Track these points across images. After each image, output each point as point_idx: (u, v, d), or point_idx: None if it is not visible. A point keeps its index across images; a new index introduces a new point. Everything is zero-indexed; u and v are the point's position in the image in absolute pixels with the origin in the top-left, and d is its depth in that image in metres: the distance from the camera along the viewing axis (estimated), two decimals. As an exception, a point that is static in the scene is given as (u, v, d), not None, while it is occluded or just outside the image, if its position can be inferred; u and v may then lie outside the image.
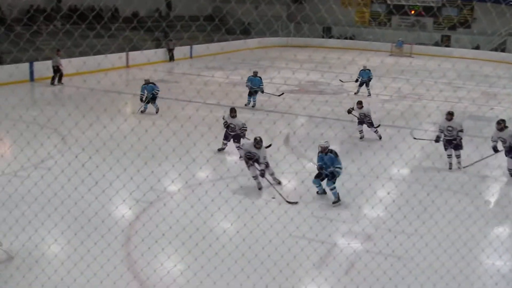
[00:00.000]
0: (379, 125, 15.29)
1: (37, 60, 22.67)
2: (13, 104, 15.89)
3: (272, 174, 11.12)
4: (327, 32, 44.38)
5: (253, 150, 10.86)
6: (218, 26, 38.51)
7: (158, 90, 17.63)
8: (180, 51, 32.61)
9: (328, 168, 10.24)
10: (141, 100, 17.52)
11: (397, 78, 26.59)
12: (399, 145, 12.82)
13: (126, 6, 31.18)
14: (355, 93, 22.12)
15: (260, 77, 19.11)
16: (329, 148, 10.27)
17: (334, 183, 10.25)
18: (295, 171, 11.34)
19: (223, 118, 13.53)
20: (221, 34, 37.34)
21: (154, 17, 34.62)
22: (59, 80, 22.60)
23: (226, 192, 9.92)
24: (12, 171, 10.58)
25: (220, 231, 8.70)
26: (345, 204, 10.14)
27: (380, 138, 14.97)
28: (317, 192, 10.65)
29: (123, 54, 28.01)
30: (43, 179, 9.43)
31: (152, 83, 17.56)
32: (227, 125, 13.23)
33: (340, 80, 23.18)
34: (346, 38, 42.96)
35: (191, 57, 33.66)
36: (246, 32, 40.33)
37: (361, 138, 15.06)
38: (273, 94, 19.01)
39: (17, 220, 8.20)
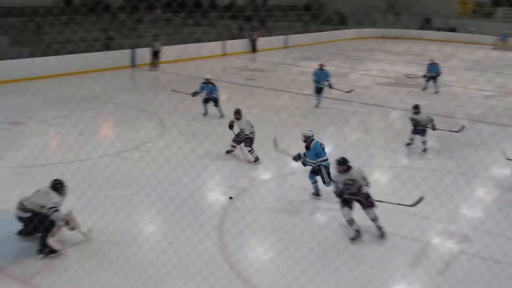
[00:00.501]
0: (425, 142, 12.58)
1: (138, 46, 23.63)
2: (116, 88, 16.67)
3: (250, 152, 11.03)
4: (427, 23, 42.87)
5: (235, 121, 11.06)
6: (315, 15, 38.33)
7: (217, 93, 15.13)
8: (275, 40, 32.73)
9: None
10: (193, 95, 14.86)
11: (501, 73, 25.30)
12: (503, 143, 12.21)
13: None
14: (422, 89, 20.51)
15: (327, 71, 17.05)
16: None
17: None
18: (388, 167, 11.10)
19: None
20: (318, 24, 37.13)
21: (251, 6, 35.01)
22: (157, 65, 23.37)
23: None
24: (115, 152, 11.12)
25: (311, 221, 8.69)
26: (442, 202, 9.79)
27: (425, 151, 12.38)
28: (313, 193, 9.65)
29: (220, 43, 28.55)
30: (142, 161, 9.83)
31: (212, 84, 15.16)
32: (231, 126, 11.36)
33: (407, 76, 22.32)
34: (447, 30, 41.35)
35: (286, 46, 33.66)
36: (343, 22, 39.85)
37: (408, 144, 12.79)
38: (341, 91, 17.28)
39: (118, 198, 8.61)
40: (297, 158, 9.36)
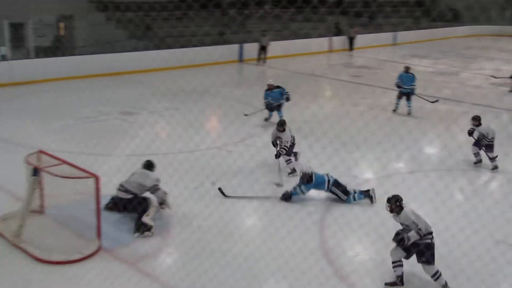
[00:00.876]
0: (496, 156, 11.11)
1: (246, 42, 24.07)
2: (225, 82, 17.10)
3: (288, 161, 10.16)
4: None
5: (278, 134, 10.33)
6: (427, 11, 37.07)
7: (287, 93, 13.64)
8: (383, 37, 32.03)
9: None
10: (267, 108, 13.75)
11: None
12: None
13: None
14: (509, 91, 18.96)
15: (413, 74, 15.29)
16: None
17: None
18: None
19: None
20: (429, 20, 35.86)
21: (362, 1, 34.46)
22: (264, 60, 23.70)
23: (424, 182, 9.61)
24: (222, 144, 11.46)
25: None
26: None
27: (495, 168, 10.92)
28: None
29: (327, 39, 28.41)
30: (247, 152, 10.03)
31: (277, 87, 13.79)
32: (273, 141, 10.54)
33: (493, 76, 20.78)
34: None
35: (395, 43, 32.83)
36: (456, 19, 38.18)
37: (475, 163, 11.19)
38: (425, 100, 15.48)
39: (221, 190, 8.87)
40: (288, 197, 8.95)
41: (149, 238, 7.77)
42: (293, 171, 10.11)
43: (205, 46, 21.32)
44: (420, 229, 6.51)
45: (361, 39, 29.74)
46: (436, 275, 6.63)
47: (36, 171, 7.74)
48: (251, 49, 23.81)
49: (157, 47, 20.66)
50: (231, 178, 8.99)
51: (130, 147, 10.80)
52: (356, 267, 7.15)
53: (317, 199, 9.14)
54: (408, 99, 15.00)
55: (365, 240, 7.80)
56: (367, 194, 9.10)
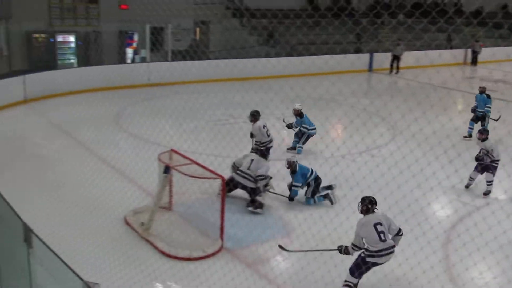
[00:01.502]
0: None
1: (377, 51, 23.63)
2: (352, 91, 16.88)
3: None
4: None
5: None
6: None
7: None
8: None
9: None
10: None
11: None
12: None
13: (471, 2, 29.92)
14: None
15: (488, 96, 13.77)
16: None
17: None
18: None
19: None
20: None
21: (502, 13, 32.47)
22: (397, 69, 23.10)
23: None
24: (346, 153, 11.30)
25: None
26: None
27: (488, 193, 9.98)
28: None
29: (463, 50, 27.11)
30: (372, 161, 9.79)
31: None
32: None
33: None
34: None
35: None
36: None
37: (466, 186, 10.26)
38: (494, 120, 13.50)
39: (344, 197, 8.73)
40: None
41: (268, 241, 7.83)
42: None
43: (335, 54, 21.20)
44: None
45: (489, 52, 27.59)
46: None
47: (167, 169, 8.08)
48: (381, 58, 23.34)
49: (289, 54, 20.88)
50: (354, 186, 8.81)
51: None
52: (479, 286, 6.76)
53: (445, 221, 8.70)
54: (482, 121, 13.58)
55: (496, 268, 7.25)
56: (327, 196, 9.38)
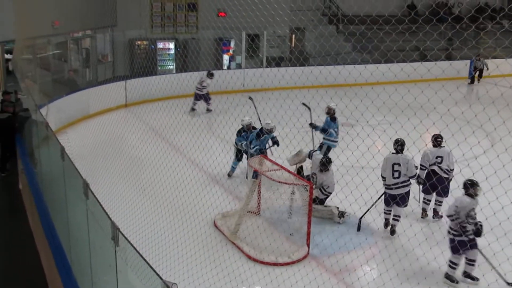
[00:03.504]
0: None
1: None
2: (443, 99, 16.26)
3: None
4: None
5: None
6: None
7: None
8: None
9: None
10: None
11: None
12: None
13: None
14: None
15: None
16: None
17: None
18: None
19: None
20: None
21: None
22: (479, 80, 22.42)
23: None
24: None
25: None
26: None
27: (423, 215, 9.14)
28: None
29: None
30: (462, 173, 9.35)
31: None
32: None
33: None
34: None
35: None
36: None
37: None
38: None
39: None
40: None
41: (356, 249, 7.75)
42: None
43: (432, 61, 20.51)
44: None
45: None
46: None
47: (256, 174, 8.19)
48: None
49: (386, 61, 20.43)
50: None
51: (342, 159, 10.81)
52: None
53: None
54: None
55: None
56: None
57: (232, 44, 22.39)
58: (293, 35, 23.79)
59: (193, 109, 16.78)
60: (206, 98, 16.90)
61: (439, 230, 8.37)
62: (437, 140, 9.05)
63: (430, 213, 9.18)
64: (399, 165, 8.26)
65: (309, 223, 7.72)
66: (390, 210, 8.48)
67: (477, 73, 22.82)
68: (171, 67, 21.48)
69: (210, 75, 16.76)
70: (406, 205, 8.47)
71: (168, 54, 21.36)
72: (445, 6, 25.84)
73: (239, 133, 11.02)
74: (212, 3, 20.34)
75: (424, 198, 9.16)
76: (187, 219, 8.41)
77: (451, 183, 8.88)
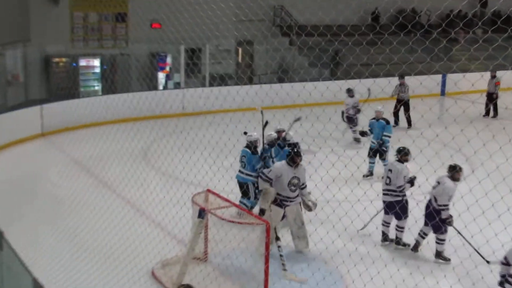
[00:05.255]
0: None
1: (450, 71, 23.22)
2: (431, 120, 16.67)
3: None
4: None
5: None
6: None
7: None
8: None
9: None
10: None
11: None
12: None
13: None
14: None
15: None
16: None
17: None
18: None
19: None
20: None
21: None
22: (495, 113, 21.08)
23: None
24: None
25: None
26: None
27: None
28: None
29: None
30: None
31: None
32: None
33: None
34: None
35: None
36: None
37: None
38: None
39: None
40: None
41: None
42: None
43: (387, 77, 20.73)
44: None
45: None
46: None
47: (202, 213, 8.11)
48: (454, 80, 22.86)
49: (351, 78, 20.66)
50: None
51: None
52: None
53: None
54: None
55: None
56: None
57: (169, 60, 22.33)
58: (240, 49, 23.97)
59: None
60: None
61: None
62: None
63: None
64: (391, 171, 9.61)
65: (266, 268, 7.66)
66: (388, 223, 9.81)
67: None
68: (96, 88, 21.20)
69: None
70: (400, 218, 9.56)
71: (93, 73, 21.06)
72: (413, 17, 26.55)
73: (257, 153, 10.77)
74: (145, 12, 20.27)
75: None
76: (120, 270, 8.24)
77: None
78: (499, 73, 20.61)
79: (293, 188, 9.20)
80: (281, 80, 22.03)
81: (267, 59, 22.98)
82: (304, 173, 9.41)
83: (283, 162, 9.45)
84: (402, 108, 18.71)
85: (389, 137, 13.20)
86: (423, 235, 9.49)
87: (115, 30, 21.96)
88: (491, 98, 20.46)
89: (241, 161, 10.84)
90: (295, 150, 9.32)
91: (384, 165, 12.59)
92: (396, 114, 18.79)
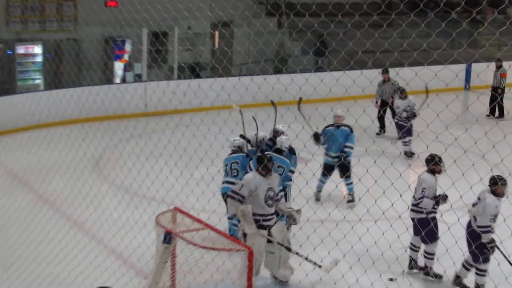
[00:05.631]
0: None
1: (476, 61, 23.28)
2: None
3: None
4: None
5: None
6: None
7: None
8: None
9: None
10: None
11: None
12: None
13: None
14: None
15: None
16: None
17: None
18: None
19: None
20: None
21: None
22: (500, 113, 21.42)
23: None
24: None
25: None
26: None
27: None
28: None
29: None
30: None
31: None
32: None
33: None
34: None
35: None
36: None
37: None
38: None
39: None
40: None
41: None
42: None
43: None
44: None
45: None
46: None
47: (169, 237, 8.06)
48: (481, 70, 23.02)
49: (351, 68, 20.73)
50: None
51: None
52: None
53: None
54: None
55: None
56: None
57: (128, 46, 22.20)
58: (217, 33, 23.85)
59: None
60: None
61: None
62: None
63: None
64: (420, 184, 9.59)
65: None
66: (417, 246, 9.78)
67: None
68: (37, 81, 21.03)
69: None
70: (426, 242, 9.48)
71: (33, 63, 20.90)
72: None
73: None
74: (98, -12, 20.21)
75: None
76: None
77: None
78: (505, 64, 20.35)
79: (270, 202, 9.18)
80: (278, 71, 21.80)
81: (248, 45, 22.86)
82: (277, 181, 9.39)
83: (254, 173, 9.41)
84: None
85: (352, 148, 12.33)
86: (466, 265, 9.17)
87: (60, 9, 21.80)
88: (496, 94, 20.33)
89: (231, 169, 10.77)
90: (266, 155, 9.35)
91: (347, 184, 12.06)
92: (381, 120, 18.12)
